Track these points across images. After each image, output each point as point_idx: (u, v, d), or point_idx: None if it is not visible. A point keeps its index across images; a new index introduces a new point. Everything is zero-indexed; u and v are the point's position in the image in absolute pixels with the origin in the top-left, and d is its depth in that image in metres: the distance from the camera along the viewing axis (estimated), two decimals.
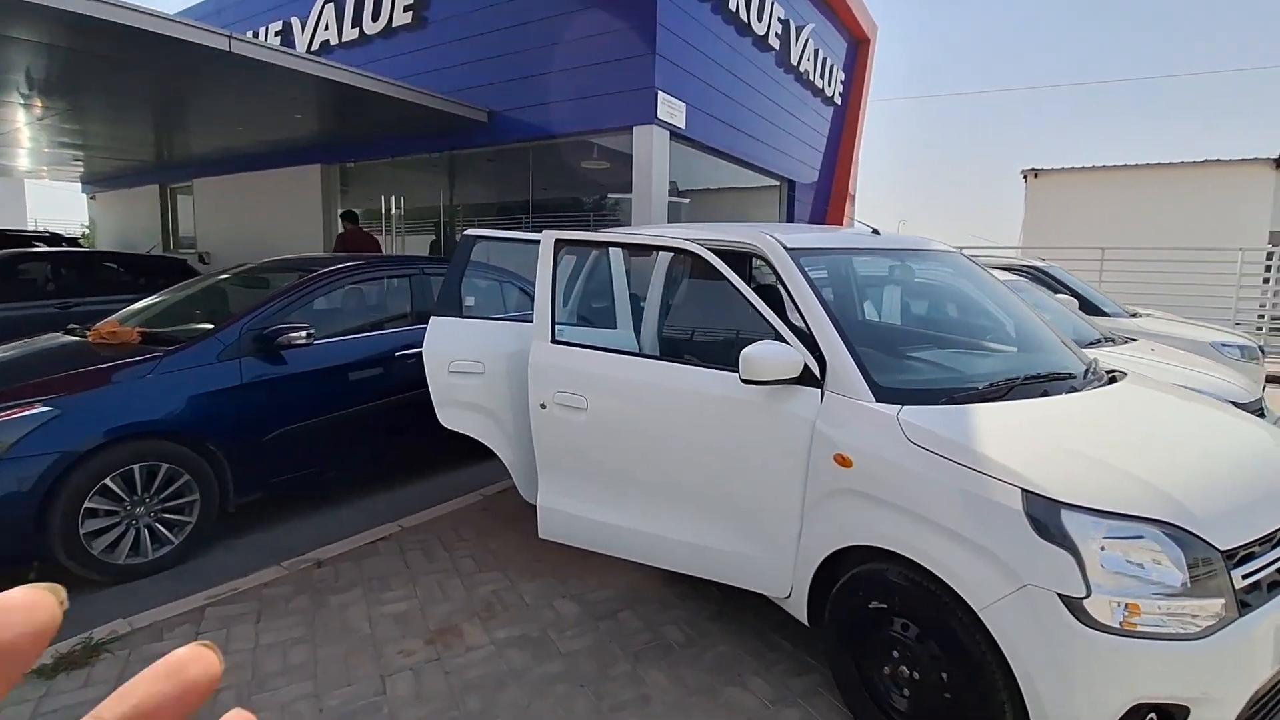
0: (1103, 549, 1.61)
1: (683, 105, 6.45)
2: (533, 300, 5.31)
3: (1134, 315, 6.45)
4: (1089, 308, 5.94)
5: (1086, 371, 2.48)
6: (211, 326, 3.61)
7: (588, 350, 2.65)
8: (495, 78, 7.12)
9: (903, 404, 2.05)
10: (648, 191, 6.11)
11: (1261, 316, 10.34)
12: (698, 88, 6.82)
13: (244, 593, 3.02)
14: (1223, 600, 1.61)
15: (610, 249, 3.25)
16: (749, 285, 2.47)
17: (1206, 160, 13.11)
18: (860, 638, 2.11)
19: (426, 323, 4.25)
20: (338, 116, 7.77)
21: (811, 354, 2.22)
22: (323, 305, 3.90)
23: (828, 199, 10.53)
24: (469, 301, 3.10)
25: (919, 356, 2.59)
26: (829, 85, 9.90)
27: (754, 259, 2.74)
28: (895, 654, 2.00)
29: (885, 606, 2.02)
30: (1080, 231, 13.21)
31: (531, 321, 3.20)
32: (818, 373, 2.22)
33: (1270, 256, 10.38)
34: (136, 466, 3.02)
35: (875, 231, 2.96)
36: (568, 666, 2.49)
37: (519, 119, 7.18)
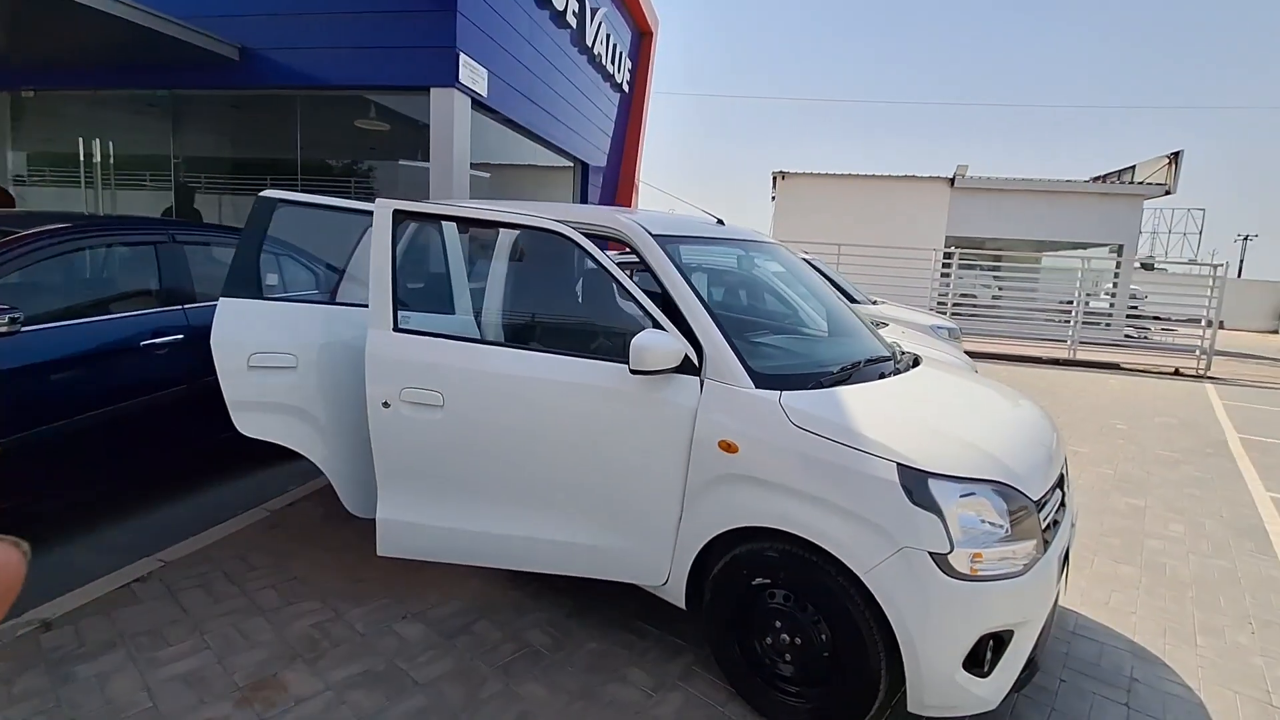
0: (959, 509, 1.85)
1: (485, 72, 6.02)
2: (318, 279, 4.62)
3: (874, 303, 7.67)
4: (844, 297, 6.93)
5: (894, 355, 2.84)
6: None
7: (444, 340, 2.32)
8: (252, 8, 5.90)
9: (780, 389, 2.14)
10: (448, 161, 5.61)
11: (943, 303, 13.08)
12: (499, 56, 6.42)
13: None
14: (1034, 541, 1.96)
15: (444, 224, 2.88)
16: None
17: (906, 175, 16.09)
18: (742, 615, 2.18)
19: (178, 304, 3.51)
20: (13, 24, 5.76)
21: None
22: (24, 279, 2.89)
23: (616, 183, 10.77)
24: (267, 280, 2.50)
25: (774, 344, 2.74)
26: (618, 71, 10.08)
27: (610, 244, 2.63)
28: (777, 625, 2.11)
29: (768, 581, 2.11)
30: (819, 228, 15.37)
31: (336, 304, 2.75)
32: (696, 361, 2.21)
33: (949, 256, 13.15)
34: None
35: (720, 221, 3.06)
36: (430, 698, 2.20)
37: (281, 61, 6.07)
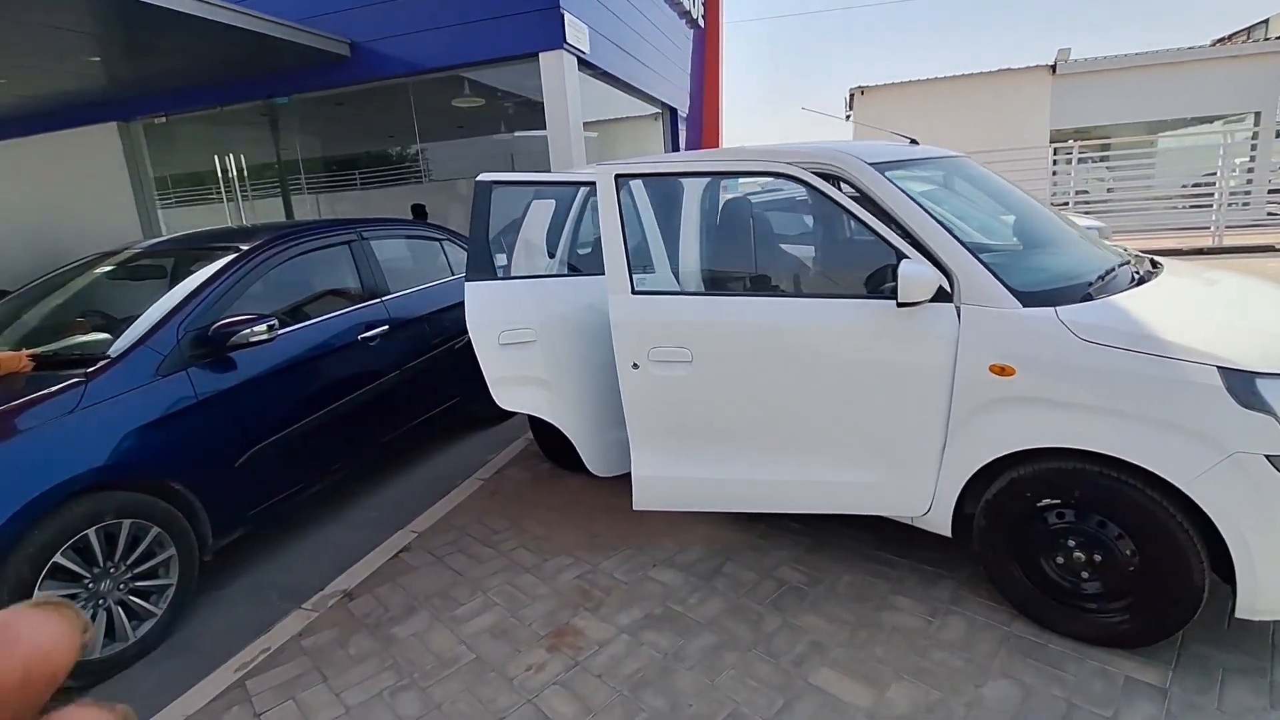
0: None
1: (586, 29, 5.93)
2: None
3: None
4: None
5: (1132, 260, 2.68)
6: (110, 337, 2.78)
7: (684, 297, 2.37)
8: (357, 1, 6.01)
9: (1051, 305, 2.07)
10: (564, 126, 5.62)
11: (1066, 202, 12.16)
12: (594, 9, 6.29)
13: (280, 651, 2.46)
14: None
15: (662, 180, 2.86)
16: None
17: (998, 69, 14.84)
18: (1023, 537, 2.18)
19: (377, 298, 3.73)
20: (144, 49, 6.10)
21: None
22: (261, 289, 3.14)
23: (700, 127, 10.49)
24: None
25: (1020, 261, 2.62)
26: (693, 5, 9.69)
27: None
28: (1070, 543, 2.09)
29: (1057, 502, 2.08)
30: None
31: (555, 276, 2.84)
32: (948, 288, 2.16)
33: (1068, 151, 12.15)
34: (91, 532, 2.28)
35: (913, 142, 2.93)
36: (719, 635, 2.33)
37: (390, 51, 6.19)
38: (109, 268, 3.46)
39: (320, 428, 3.21)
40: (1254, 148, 13.31)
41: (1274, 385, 1.75)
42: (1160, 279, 2.35)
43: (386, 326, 3.64)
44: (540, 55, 5.64)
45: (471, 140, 9.93)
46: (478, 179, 2.66)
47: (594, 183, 2.99)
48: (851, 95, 16.31)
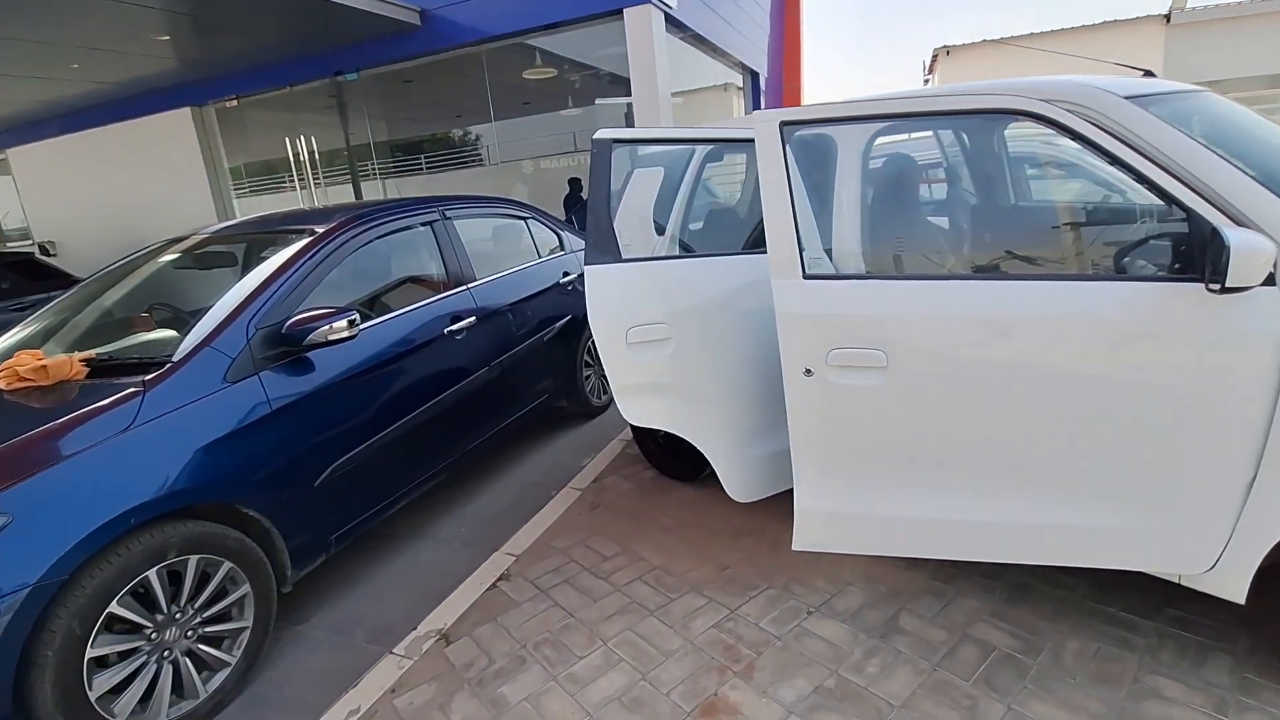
0: None
1: None
2: (560, 236, 4.32)
3: None
4: None
5: None
6: (176, 335, 2.42)
7: (878, 282, 1.80)
8: None
9: None
10: (651, 88, 5.06)
11: None
12: None
13: (371, 714, 2.06)
14: None
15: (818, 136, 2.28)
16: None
17: (1105, 21, 13.34)
18: None
19: (463, 286, 3.29)
20: (212, 25, 5.85)
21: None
22: (339, 278, 2.74)
23: (781, 93, 9.69)
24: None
25: None
26: None
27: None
28: None
29: None
30: None
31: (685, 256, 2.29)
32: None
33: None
34: (153, 573, 1.91)
35: (1148, 74, 2.25)
36: None
37: (461, 19, 5.75)
38: (177, 255, 3.14)
39: (407, 435, 2.80)
40: None
41: None
42: None
43: (474, 318, 3.21)
44: (625, 12, 5.09)
45: (538, 118, 9.51)
46: (595, 136, 2.14)
47: (729, 140, 2.44)
48: (935, 56, 15.03)
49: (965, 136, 2.82)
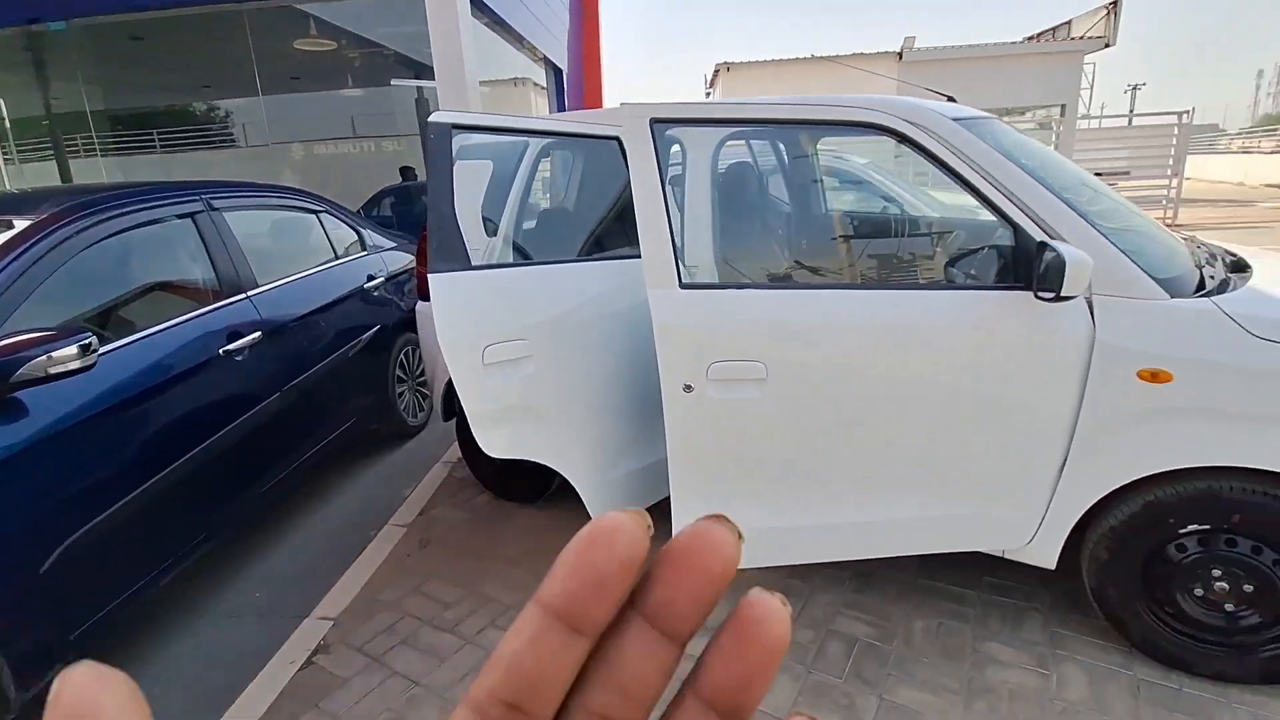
0: None
1: None
2: (361, 233, 3.77)
3: None
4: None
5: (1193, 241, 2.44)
6: None
7: (758, 292, 1.73)
8: None
9: (1205, 296, 1.71)
10: (459, 75, 4.63)
11: None
12: None
13: None
14: None
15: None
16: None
17: (854, 53, 15.49)
18: (1155, 568, 1.85)
19: (240, 293, 2.68)
20: None
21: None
22: (63, 287, 2.03)
23: (582, 93, 9.68)
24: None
25: (1128, 242, 2.25)
26: None
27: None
28: (1216, 573, 1.78)
29: (1207, 527, 1.76)
30: None
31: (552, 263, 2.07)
32: None
33: None
34: None
35: (951, 99, 2.50)
36: None
37: None
38: None
39: (174, 488, 2.18)
40: (1056, 137, 15.09)
41: None
42: (1260, 262, 2.10)
43: (259, 333, 2.62)
44: None
45: (310, 97, 8.43)
46: (432, 119, 1.80)
47: (585, 135, 2.25)
48: (716, 71, 16.22)
49: (784, 148, 2.95)
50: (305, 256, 3.24)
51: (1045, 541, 1.95)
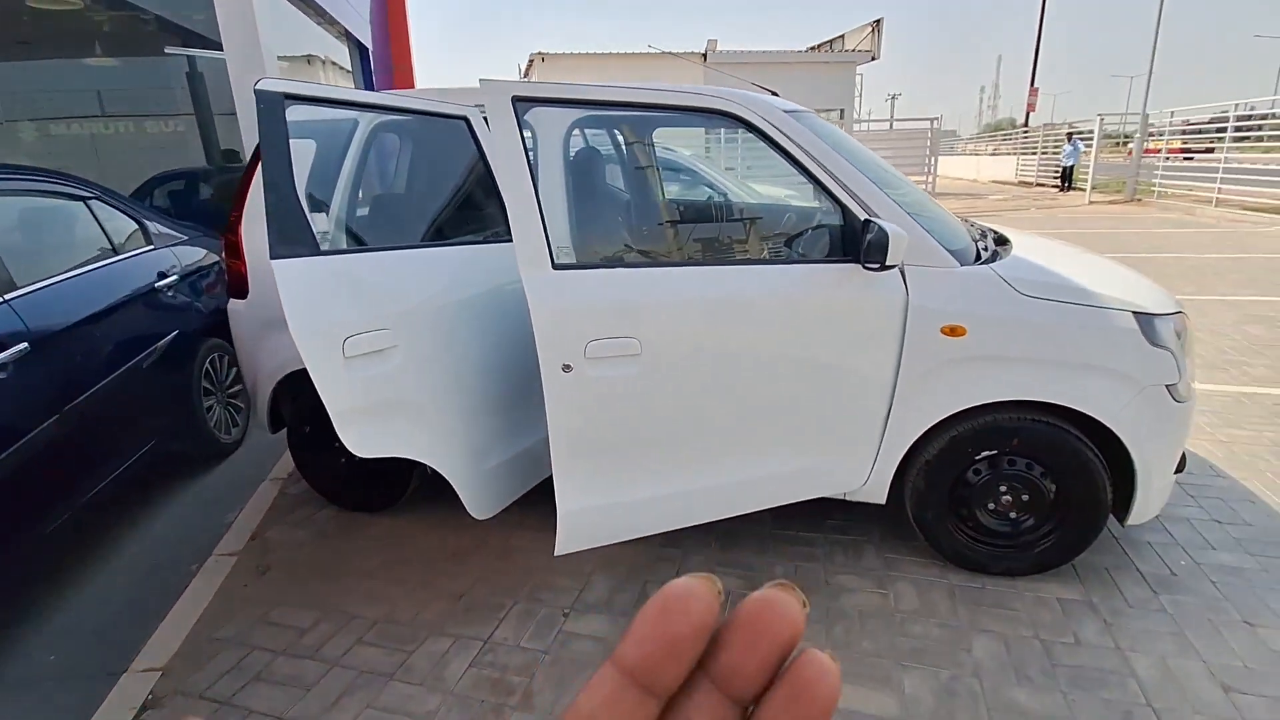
0: (1175, 342, 2.04)
1: None
2: (144, 224, 3.25)
3: None
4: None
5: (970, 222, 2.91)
6: None
7: (629, 270, 1.76)
8: None
9: (984, 264, 2.08)
10: (253, 46, 4.08)
11: None
12: None
13: None
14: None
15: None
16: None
17: (664, 53, 16.21)
18: (959, 491, 2.22)
19: None
20: None
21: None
22: None
23: (391, 73, 9.01)
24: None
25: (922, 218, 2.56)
26: None
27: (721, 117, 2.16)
28: (1001, 489, 2.19)
29: (995, 452, 2.15)
30: None
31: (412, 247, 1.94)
32: None
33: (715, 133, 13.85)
34: None
35: (774, 93, 2.74)
36: None
37: None
38: None
39: None
40: None
41: (1166, 324, 2.01)
42: (1017, 240, 2.58)
43: (24, 345, 2.15)
44: None
45: (45, 65, 7.05)
46: (257, 87, 1.58)
47: (429, 113, 2.13)
48: (530, 61, 16.09)
49: (624, 135, 3.04)
50: (74, 252, 2.70)
51: (877, 481, 2.25)
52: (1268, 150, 13.31)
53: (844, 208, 1.99)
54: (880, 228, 1.81)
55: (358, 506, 2.89)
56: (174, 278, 3.12)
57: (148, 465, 2.82)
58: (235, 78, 4.14)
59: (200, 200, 6.53)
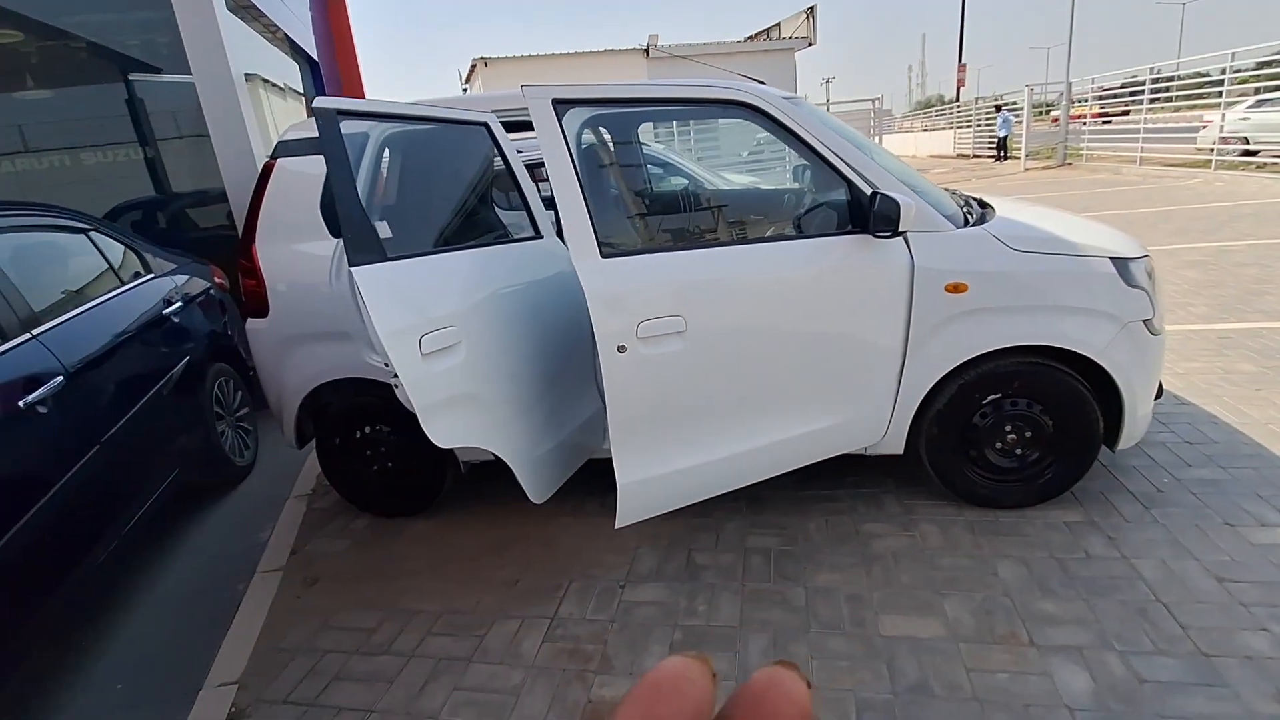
0: (1150, 282, 2.28)
1: None
2: (140, 253, 3.23)
3: None
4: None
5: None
6: None
7: (671, 254, 1.89)
8: None
9: (976, 224, 2.29)
10: (222, 68, 4.03)
11: None
12: None
13: None
14: None
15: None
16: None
17: (605, 50, 16.30)
18: (969, 434, 2.43)
19: (23, 333, 2.20)
20: None
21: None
22: None
23: (339, 83, 8.86)
24: None
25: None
26: None
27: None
28: (1007, 429, 2.40)
29: (999, 395, 2.36)
30: None
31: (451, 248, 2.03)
32: None
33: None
34: None
35: (762, 83, 2.90)
36: (765, 631, 2.05)
37: None
38: None
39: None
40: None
41: (1139, 267, 2.26)
42: (998, 203, 2.80)
43: (60, 378, 2.15)
44: None
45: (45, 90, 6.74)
46: (317, 105, 1.65)
47: (458, 121, 2.22)
48: (473, 66, 15.97)
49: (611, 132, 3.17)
50: (85, 284, 2.68)
51: (895, 433, 2.44)
52: (1177, 109, 14.25)
53: (849, 183, 2.16)
54: (890, 198, 1.99)
55: (392, 512, 2.95)
56: (179, 304, 3.11)
57: (173, 495, 2.82)
58: (208, 104, 4.09)
59: (159, 230, 6.34)
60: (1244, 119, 11.41)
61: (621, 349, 1.86)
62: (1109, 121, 16.61)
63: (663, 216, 2.41)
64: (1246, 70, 10.92)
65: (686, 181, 3.69)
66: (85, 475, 2.17)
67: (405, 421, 2.76)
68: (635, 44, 16.48)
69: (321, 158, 2.55)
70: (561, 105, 1.78)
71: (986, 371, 2.33)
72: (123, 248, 3.06)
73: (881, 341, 2.28)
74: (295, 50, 6.79)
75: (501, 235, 2.30)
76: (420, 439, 2.73)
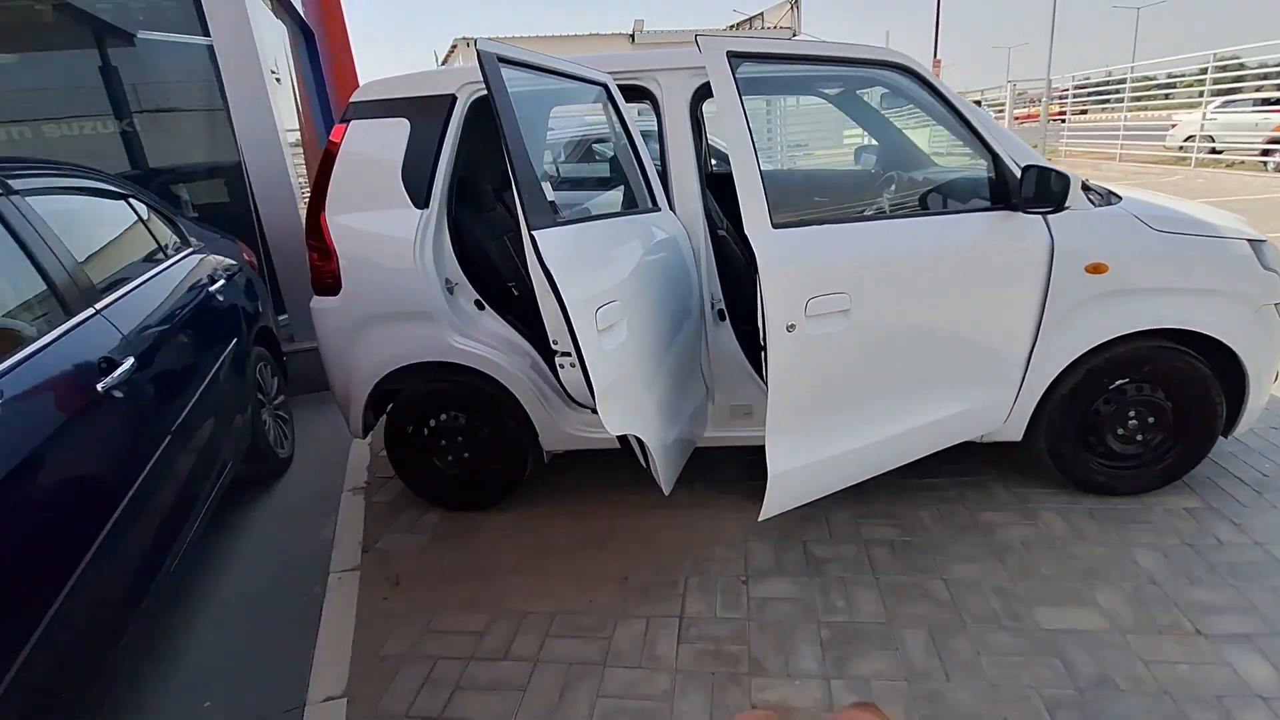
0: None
1: None
2: (177, 223, 2.95)
3: None
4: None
5: None
6: None
7: (837, 226, 1.76)
8: None
9: (1107, 204, 2.22)
10: (242, 22, 3.70)
11: None
12: None
13: None
14: None
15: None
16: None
17: (590, 34, 16.01)
18: (1092, 420, 2.37)
19: (86, 306, 1.95)
20: None
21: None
22: None
23: (330, 57, 8.40)
24: None
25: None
26: None
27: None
28: (1130, 414, 2.35)
29: (1127, 379, 2.31)
30: None
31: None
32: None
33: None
34: None
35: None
36: (918, 628, 1.95)
37: None
38: None
39: (70, 611, 1.51)
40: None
41: (1271, 249, 2.22)
42: (1118, 186, 2.74)
43: (131, 359, 1.90)
44: None
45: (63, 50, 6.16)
46: (481, 48, 1.45)
47: (585, 80, 2.04)
48: (453, 47, 15.47)
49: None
50: (135, 254, 2.41)
51: (1016, 419, 2.37)
52: (1145, 109, 14.74)
53: (996, 156, 2.06)
54: (1059, 172, 1.89)
55: (465, 506, 2.75)
56: (223, 281, 2.84)
57: (226, 487, 2.57)
58: (225, 62, 3.74)
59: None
60: (1211, 119, 11.87)
61: (791, 328, 1.72)
62: (1064, 121, 17.06)
63: (823, 185, 2.27)
64: (1190, 75, 11.33)
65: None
66: (161, 468, 1.93)
67: (484, 408, 2.58)
68: (621, 29, 16.23)
69: (398, 121, 2.35)
70: (735, 59, 1.62)
71: (1115, 356, 2.27)
72: (161, 218, 2.77)
73: (1013, 323, 2.20)
74: (291, 16, 6.37)
75: (631, 204, 2.13)
76: (502, 426, 2.56)
